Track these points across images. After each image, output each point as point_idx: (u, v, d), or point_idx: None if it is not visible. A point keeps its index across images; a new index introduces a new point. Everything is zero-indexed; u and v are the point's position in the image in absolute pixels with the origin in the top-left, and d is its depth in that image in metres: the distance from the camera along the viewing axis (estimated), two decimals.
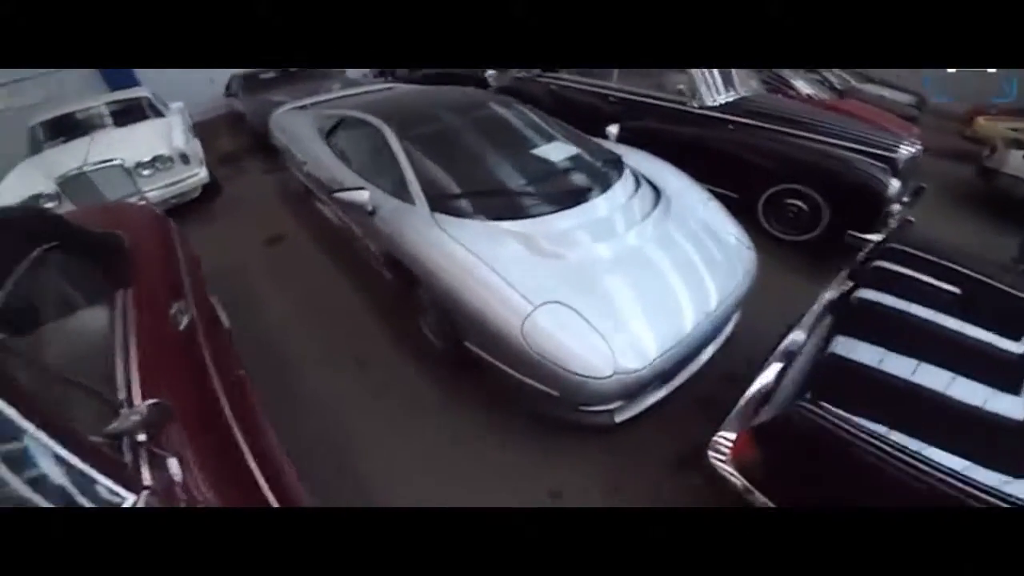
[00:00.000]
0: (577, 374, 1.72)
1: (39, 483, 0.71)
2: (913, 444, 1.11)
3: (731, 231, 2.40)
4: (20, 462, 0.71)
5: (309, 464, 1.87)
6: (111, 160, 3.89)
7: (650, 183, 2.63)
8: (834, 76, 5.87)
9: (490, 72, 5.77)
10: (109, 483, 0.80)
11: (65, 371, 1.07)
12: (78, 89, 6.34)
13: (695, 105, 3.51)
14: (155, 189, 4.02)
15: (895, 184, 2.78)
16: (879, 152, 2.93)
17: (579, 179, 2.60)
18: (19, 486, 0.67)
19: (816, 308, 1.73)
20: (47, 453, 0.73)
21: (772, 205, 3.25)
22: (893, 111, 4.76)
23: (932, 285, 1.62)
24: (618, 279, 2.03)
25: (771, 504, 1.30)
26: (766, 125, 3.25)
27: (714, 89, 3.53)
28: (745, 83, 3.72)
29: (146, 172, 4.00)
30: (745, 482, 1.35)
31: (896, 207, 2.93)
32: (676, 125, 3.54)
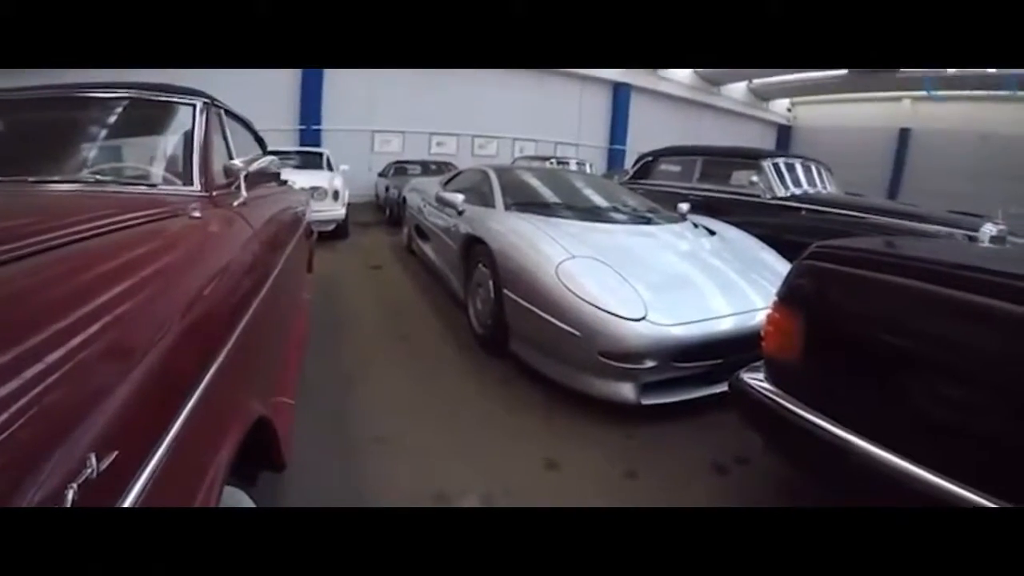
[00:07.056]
0: (604, 309, 1.82)
1: None
2: None
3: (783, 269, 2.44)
4: None
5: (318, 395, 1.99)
6: None
7: (710, 231, 2.84)
8: None
9: None
10: None
11: None
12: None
13: (768, 197, 3.74)
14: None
15: None
16: (963, 231, 2.80)
17: (638, 213, 2.97)
18: None
19: None
20: None
21: None
22: None
23: None
24: (659, 262, 2.23)
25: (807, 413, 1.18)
26: (841, 211, 3.32)
27: (785, 183, 3.77)
28: (821, 182, 3.91)
29: None
30: (779, 391, 1.26)
31: None
32: (753, 215, 3.74)
